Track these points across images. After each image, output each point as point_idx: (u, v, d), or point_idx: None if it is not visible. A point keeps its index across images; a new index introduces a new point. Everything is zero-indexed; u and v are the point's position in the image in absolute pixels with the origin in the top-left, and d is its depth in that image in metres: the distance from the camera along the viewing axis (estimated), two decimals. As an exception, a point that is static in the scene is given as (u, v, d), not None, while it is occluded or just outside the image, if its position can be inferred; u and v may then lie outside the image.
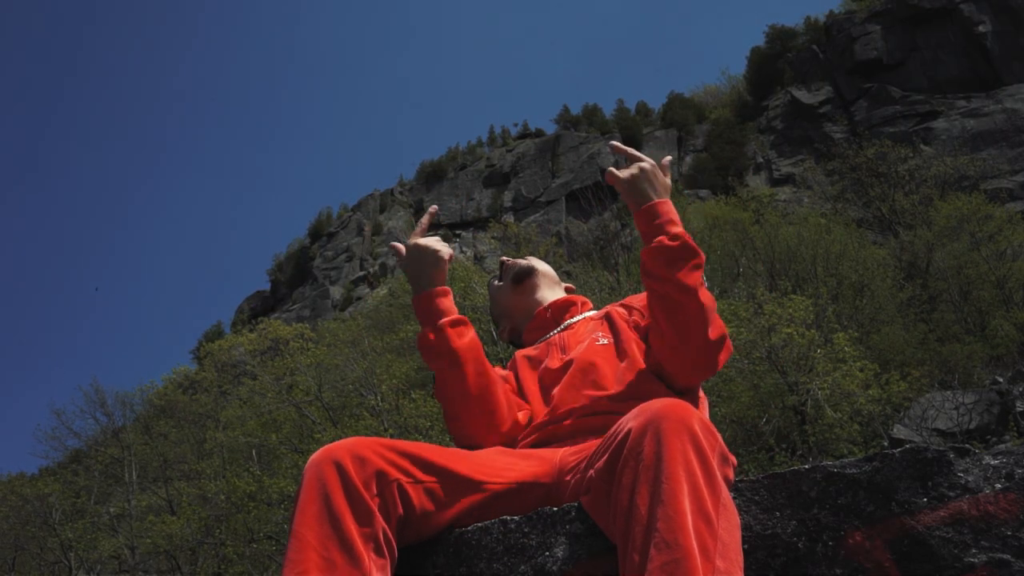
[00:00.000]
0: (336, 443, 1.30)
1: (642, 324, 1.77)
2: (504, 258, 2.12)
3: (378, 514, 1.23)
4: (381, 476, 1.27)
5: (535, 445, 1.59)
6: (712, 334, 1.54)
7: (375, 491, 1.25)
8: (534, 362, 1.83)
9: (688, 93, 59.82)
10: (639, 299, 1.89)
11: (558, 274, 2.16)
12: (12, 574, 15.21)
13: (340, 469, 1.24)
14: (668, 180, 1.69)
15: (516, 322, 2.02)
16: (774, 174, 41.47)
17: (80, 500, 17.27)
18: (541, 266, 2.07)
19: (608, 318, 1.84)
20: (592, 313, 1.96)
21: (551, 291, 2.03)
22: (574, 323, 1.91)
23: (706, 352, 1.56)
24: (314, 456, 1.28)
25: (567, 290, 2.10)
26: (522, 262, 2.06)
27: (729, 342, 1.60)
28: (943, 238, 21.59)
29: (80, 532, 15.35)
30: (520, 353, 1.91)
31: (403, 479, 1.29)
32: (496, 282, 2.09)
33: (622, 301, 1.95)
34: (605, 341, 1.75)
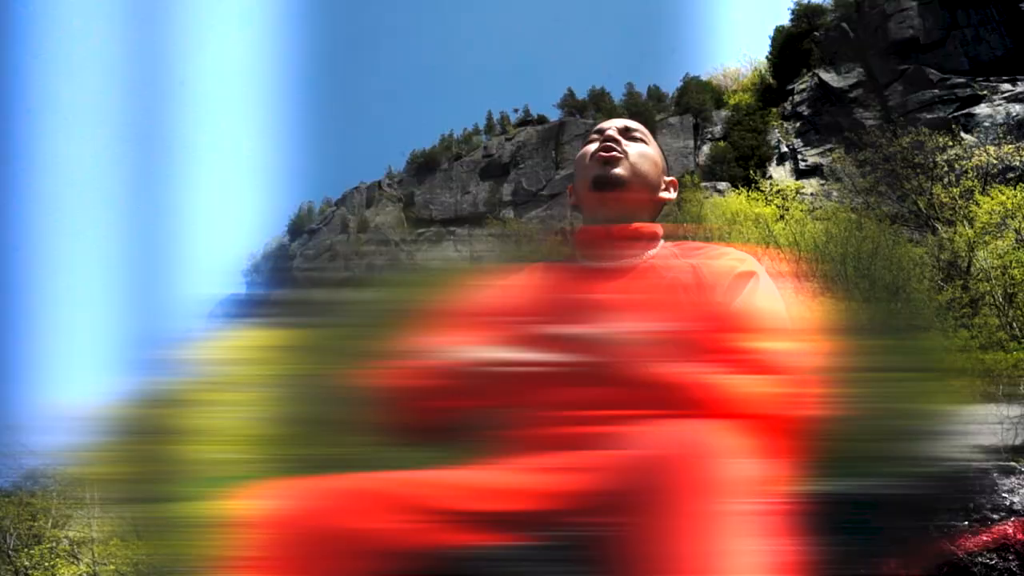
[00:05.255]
0: None
1: None
2: (612, 131, 1.63)
3: None
4: None
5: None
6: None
7: None
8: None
9: (705, 76, 59.90)
10: (720, 273, 1.49)
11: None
12: (-38, 605, 15.20)
13: None
14: None
15: (582, 212, 1.68)
16: (800, 165, 41.51)
17: (37, 524, 17.27)
18: (641, 174, 1.60)
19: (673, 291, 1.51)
20: (655, 256, 1.59)
21: (638, 208, 1.62)
22: (630, 267, 1.58)
23: None
24: None
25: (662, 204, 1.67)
26: (618, 169, 1.58)
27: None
28: (986, 235, 21.62)
29: (37, 559, 15.35)
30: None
31: None
32: (591, 148, 1.63)
33: (699, 260, 1.54)
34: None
